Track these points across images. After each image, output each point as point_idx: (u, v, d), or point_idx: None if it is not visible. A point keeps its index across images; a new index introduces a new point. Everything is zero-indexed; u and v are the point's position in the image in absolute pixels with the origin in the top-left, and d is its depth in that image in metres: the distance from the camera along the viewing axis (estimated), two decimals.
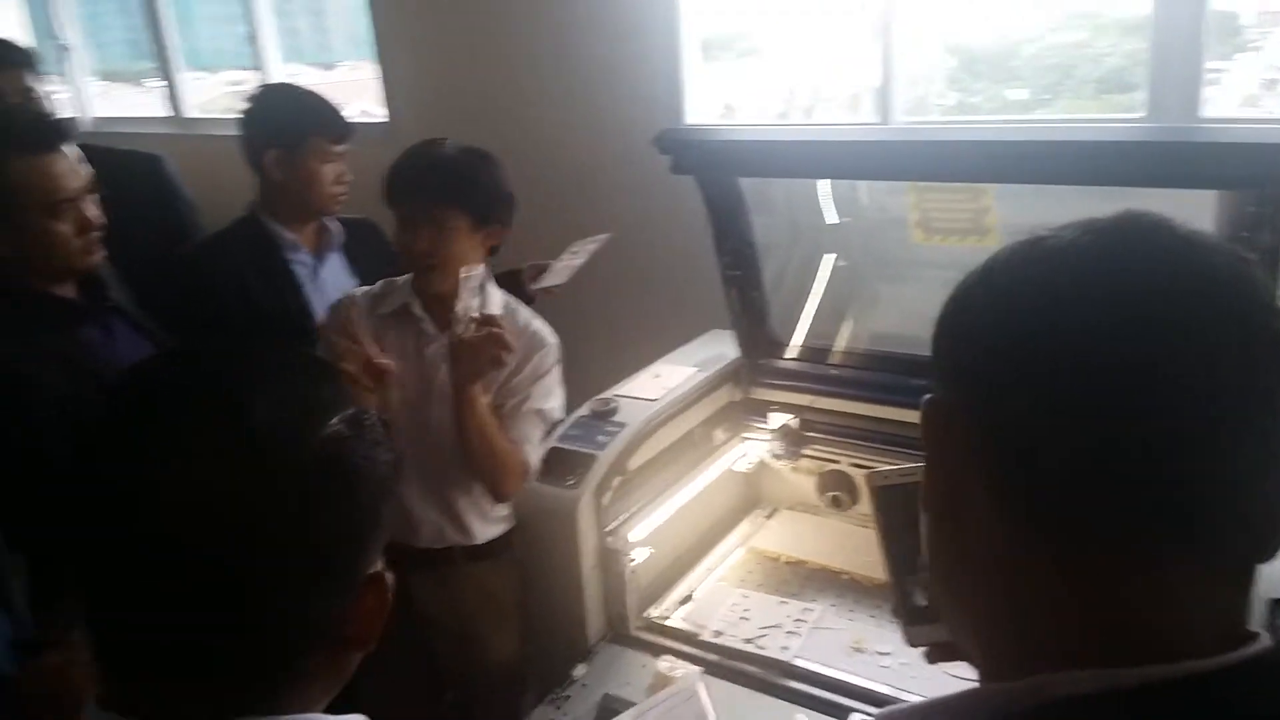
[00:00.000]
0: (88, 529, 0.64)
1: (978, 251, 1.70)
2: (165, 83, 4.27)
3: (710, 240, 1.91)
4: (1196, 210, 1.41)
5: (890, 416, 1.93)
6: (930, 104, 2.92)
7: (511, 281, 1.89)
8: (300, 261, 2.09)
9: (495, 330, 1.59)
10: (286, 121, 2.04)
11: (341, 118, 2.07)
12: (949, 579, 0.58)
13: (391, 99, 3.36)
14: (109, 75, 4.84)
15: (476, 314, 1.61)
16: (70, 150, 1.58)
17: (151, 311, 1.81)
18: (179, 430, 0.63)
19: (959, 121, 2.83)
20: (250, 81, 4.37)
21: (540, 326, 1.78)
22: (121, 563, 0.63)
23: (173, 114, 4.28)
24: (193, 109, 4.30)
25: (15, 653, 1.42)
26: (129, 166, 2.37)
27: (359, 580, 0.68)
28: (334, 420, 0.66)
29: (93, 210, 1.60)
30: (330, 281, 2.09)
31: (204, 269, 2.05)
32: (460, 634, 1.83)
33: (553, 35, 2.92)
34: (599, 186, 2.90)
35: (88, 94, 4.56)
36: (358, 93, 3.68)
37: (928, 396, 0.57)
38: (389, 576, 0.70)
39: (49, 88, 2.33)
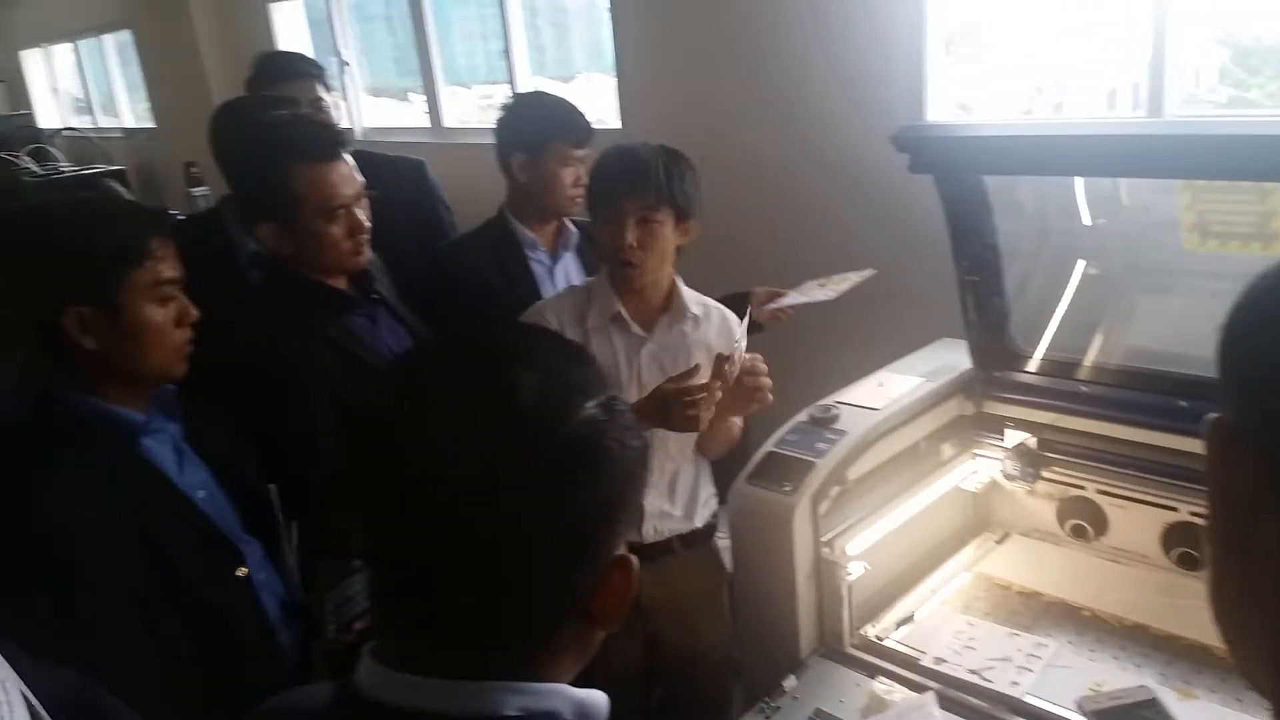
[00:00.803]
0: (367, 497, 0.69)
1: (1261, 260, 1.50)
2: (426, 97, 4.64)
3: (946, 243, 1.80)
4: None
5: (1149, 441, 1.73)
6: (1200, 99, 2.64)
7: (738, 304, 1.87)
8: (538, 260, 2.20)
9: (762, 379, 1.66)
10: (531, 127, 2.15)
11: (582, 123, 2.16)
12: (1237, 615, 0.53)
13: (625, 107, 3.44)
14: (376, 90, 5.31)
15: (745, 356, 1.66)
16: (347, 159, 1.72)
17: (410, 302, 1.94)
18: (453, 405, 0.67)
19: (1242, 115, 2.53)
20: (498, 94, 4.68)
21: (730, 315, 1.85)
22: (398, 530, 0.68)
23: (432, 125, 4.64)
24: (450, 120, 4.64)
25: (284, 611, 1.55)
26: (396, 171, 2.57)
27: (608, 560, 0.70)
28: (590, 403, 0.69)
29: (363, 215, 1.73)
30: (564, 279, 2.18)
31: (452, 265, 2.22)
32: (678, 620, 1.87)
33: (789, 38, 2.88)
34: (832, 189, 2.83)
35: (360, 106, 5.00)
36: (594, 103, 3.81)
37: (1212, 416, 0.51)
38: (634, 559, 0.72)
39: (333, 99, 2.56)
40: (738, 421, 1.81)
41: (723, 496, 1.85)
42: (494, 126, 2.22)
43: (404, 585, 0.69)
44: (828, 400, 1.79)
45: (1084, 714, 1.44)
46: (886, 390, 1.84)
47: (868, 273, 1.91)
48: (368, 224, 1.74)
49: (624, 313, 1.78)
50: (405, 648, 0.69)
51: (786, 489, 1.61)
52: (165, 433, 1.47)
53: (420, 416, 0.67)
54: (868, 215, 2.69)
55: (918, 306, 2.23)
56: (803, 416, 1.76)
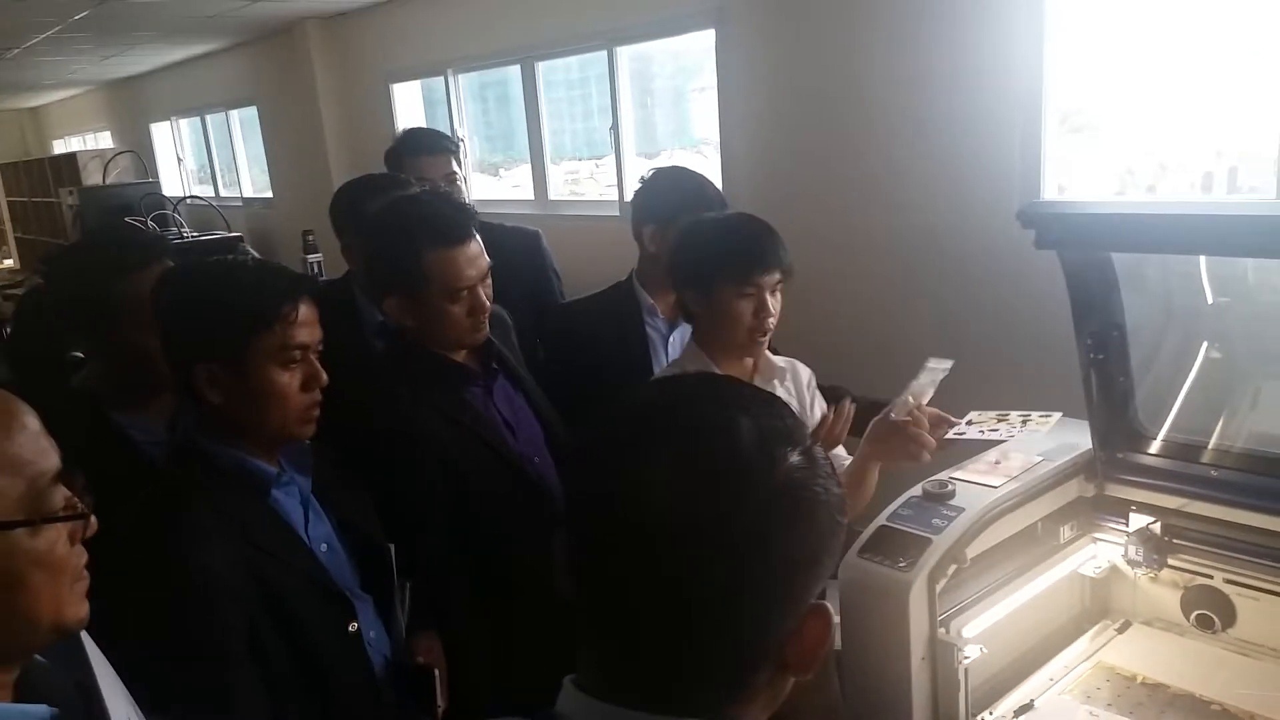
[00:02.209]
0: (585, 531, 0.72)
1: None
2: (533, 171, 4.85)
3: (1063, 321, 1.78)
4: None
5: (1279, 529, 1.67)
6: None
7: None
8: (654, 326, 2.27)
9: (927, 431, 1.69)
10: (664, 200, 2.24)
11: (713, 199, 2.22)
12: None
13: (728, 182, 3.52)
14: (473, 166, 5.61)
15: (920, 404, 1.69)
16: (475, 240, 1.79)
17: (530, 363, 2.01)
18: (677, 445, 0.69)
19: None
20: (584, 169, 4.89)
21: (801, 365, 1.95)
22: (615, 565, 0.69)
23: (536, 197, 4.85)
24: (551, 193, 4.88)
25: (390, 670, 1.58)
26: (516, 241, 2.71)
27: (807, 607, 0.71)
28: (795, 452, 0.70)
29: (485, 295, 1.80)
30: (678, 347, 2.23)
31: (568, 325, 2.34)
32: None
33: (904, 116, 2.94)
34: (946, 268, 2.83)
35: (471, 181, 5.34)
36: None
37: None
38: (830, 608, 0.73)
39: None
40: (865, 495, 1.80)
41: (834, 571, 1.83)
42: (633, 197, 2.34)
43: (613, 620, 0.71)
44: (942, 475, 1.77)
45: None
46: (1004, 467, 1.81)
47: (948, 365, 1.82)
48: (489, 304, 1.81)
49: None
50: (607, 679, 0.71)
51: (902, 565, 1.58)
52: (295, 486, 1.53)
53: (645, 455, 0.69)
54: (983, 295, 2.68)
55: (1036, 384, 2.20)
56: (916, 491, 1.74)
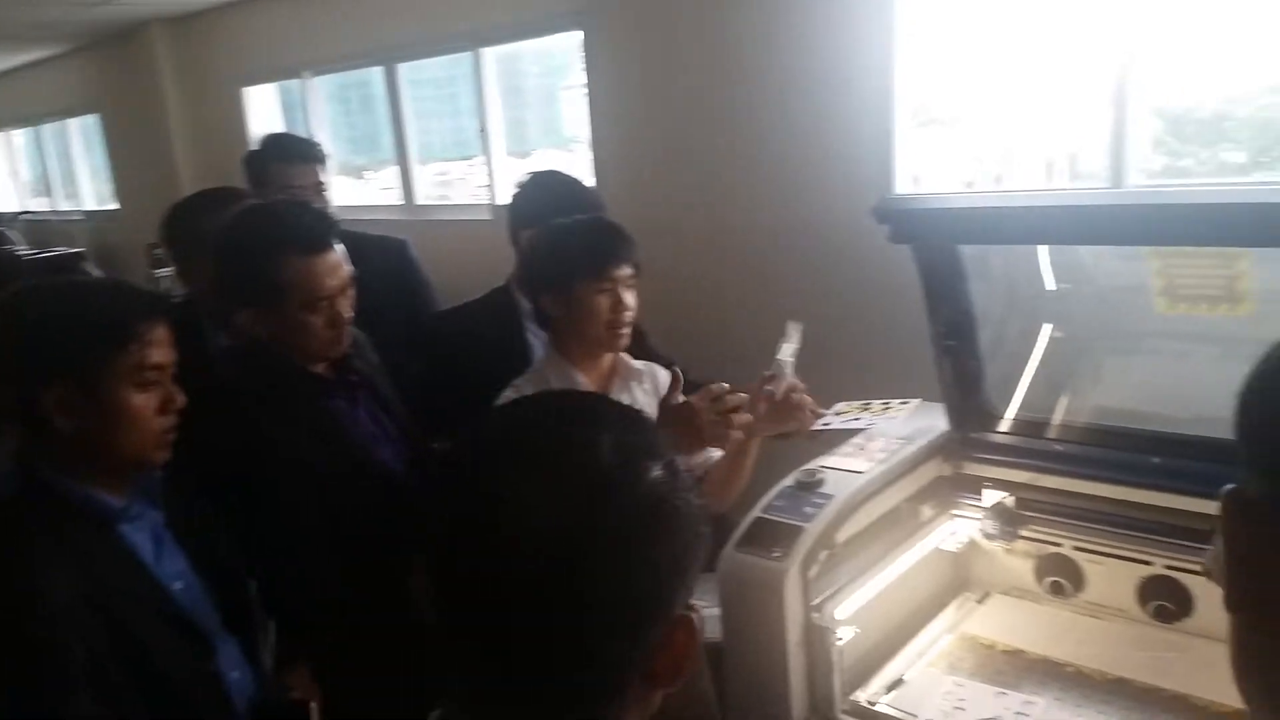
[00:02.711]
0: (445, 555, 0.70)
1: (1229, 321, 1.58)
2: (401, 174, 4.73)
3: (918, 310, 1.86)
4: None
5: (1122, 497, 1.79)
6: (1136, 167, 2.80)
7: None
8: (535, 332, 2.22)
9: (805, 397, 1.76)
10: (542, 205, 2.22)
11: (591, 202, 2.23)
12: (1262, 684, 0.55)
13: (601, 181, 3.53)
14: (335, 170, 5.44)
15: (792, 373, 1.77)
16: (337, 250, 1.74)
17: (398, 375, 1.96)
18: (538, 464, 0.69)
19: (1200, 184, 2.67)
20: (454, 171, 4.81)
21: (659, 369, 1.96)
22: (478, 589, 0.68)
23: (405, 202, 4.73)
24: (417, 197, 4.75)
25: (256, 714, 1.52)
26: (381, 250, 2.65)
27: (672, 619, 0.72)
28: (657, 465, 0.71)
29: (346, 306, 1.75)
30: None
31: (444, 333, 2.31)
32: None
33: (764, 114, 3.01)
34: (805, 259, 2.92)
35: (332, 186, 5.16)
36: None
37: (1229, 487, 0.52)
38: (696, 618, 0.74)
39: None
40: (746, 472, 1.85)
41: (710, 564, 1.86)
42: (509, 202, 2.32)
43: (479, 644, 0.70)
44: (812, 464, 1.82)
45: None
46: (869, 454, 1.88)
47: (913, 402, 1.92)
48: (349, 314, 1.76)
49: (585, 381, 1.85)
50: (476, 702, 0.70)
51: (776, 555, 1.62)
52: (145, 519, 1.45)
53: (508, 476, 0.68)
54: (842, 286, 2.78)
55: (894, 371, 2.29)
56: (789, 481, 1.79)
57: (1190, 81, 2.93)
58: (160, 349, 1.39)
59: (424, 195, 4.78)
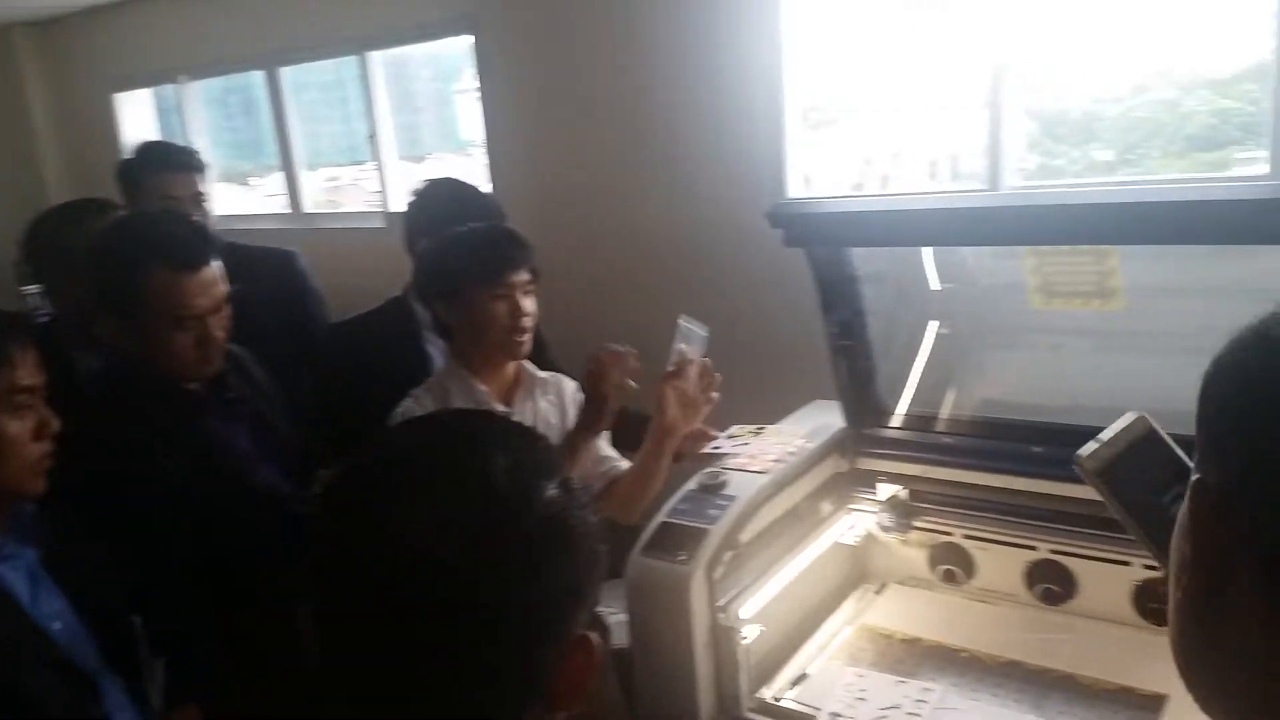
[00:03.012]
0: (332, 586, 0.67)
1: (1102, 315, 1.67)
2: (286, 182, 4.57)
3: (813, 310, 1.90)
4: None
5: (1007, 485, 1.87)
6: (1012, 167, 2.93)
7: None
8: (434, 343, 2.19)
9: (714, 376, 1.76)
10: (439, 213, 2.17)
11: (489, 208, 2.20)
12: (1203, 661, 0.54)
13: (497, 186, 3.49)
14: (217, 176, 5.22)
15: (693, 358, 1.76)
16: (214, 266, 1.66)
17: (289, 393, 1.89)
18: (429, 489, 0.67)
19: (1070, 185, 2.81)
20: (346, 176, 4.68)
21: (566, 380, 1.96)
22: (368, 619, 0.66)
23: (292, 210, 4.57)
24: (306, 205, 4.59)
25: None
26: (267, 263, 2.55)
27: (571, 640, 0.70)
28: (552, 484, 0.70)
29: (218, 326, 1.68)
30: None
31: (340, 347, 2.25)
32: None
33: (658, 118, 3.02)
34: (702, 263, 2.95)
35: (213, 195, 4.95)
36: None
37: (1195, 478, 0.52)
38: (595, 638, 0.72)
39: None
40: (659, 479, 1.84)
41: (615, 570, 1.86)
42: (405, 210, 2.26)
43: (369, 678, 0.67)
44: (715, 467, 1.84)
45: None
46: (769, 453, 1.91)
47: (806, 431, 1.98)
48: (221, 334, 1.69)
49: (487, 392, 1.82)
50: None
51: (682, 558, 1.64)
52: (20, 559, 1.37)
53: (398, 501, 0.66)
54: (738, 287, 2.82)
55: (791, 371, 2.34)
56: (692, 484, 1.81)
57: (1061, 84, 3.09)
58: (29, 371, 1.32)
59: (313, 202, 4.64)
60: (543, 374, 1.94)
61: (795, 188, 2.87)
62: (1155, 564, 1.69)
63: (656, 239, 3.05)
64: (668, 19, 2.95)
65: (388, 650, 0.66)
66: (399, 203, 4.06)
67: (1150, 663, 1.70)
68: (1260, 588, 0.48)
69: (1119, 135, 3.37)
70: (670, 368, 1.77)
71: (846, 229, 1.67)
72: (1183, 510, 0.54)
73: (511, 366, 1.88)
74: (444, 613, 0.64)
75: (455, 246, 1.83)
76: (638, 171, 3.10)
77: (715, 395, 1.81)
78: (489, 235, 1.86)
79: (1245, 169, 2.66)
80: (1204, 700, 0.56)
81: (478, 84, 3.63)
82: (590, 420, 1.77)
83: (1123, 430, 0.81)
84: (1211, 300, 1.68)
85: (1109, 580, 1.80)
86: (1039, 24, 2.58)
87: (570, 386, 1.96)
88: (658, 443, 1.79)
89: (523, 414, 1.86)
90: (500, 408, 1.84)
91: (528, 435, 0.76)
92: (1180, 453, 0.80)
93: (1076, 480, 1.74)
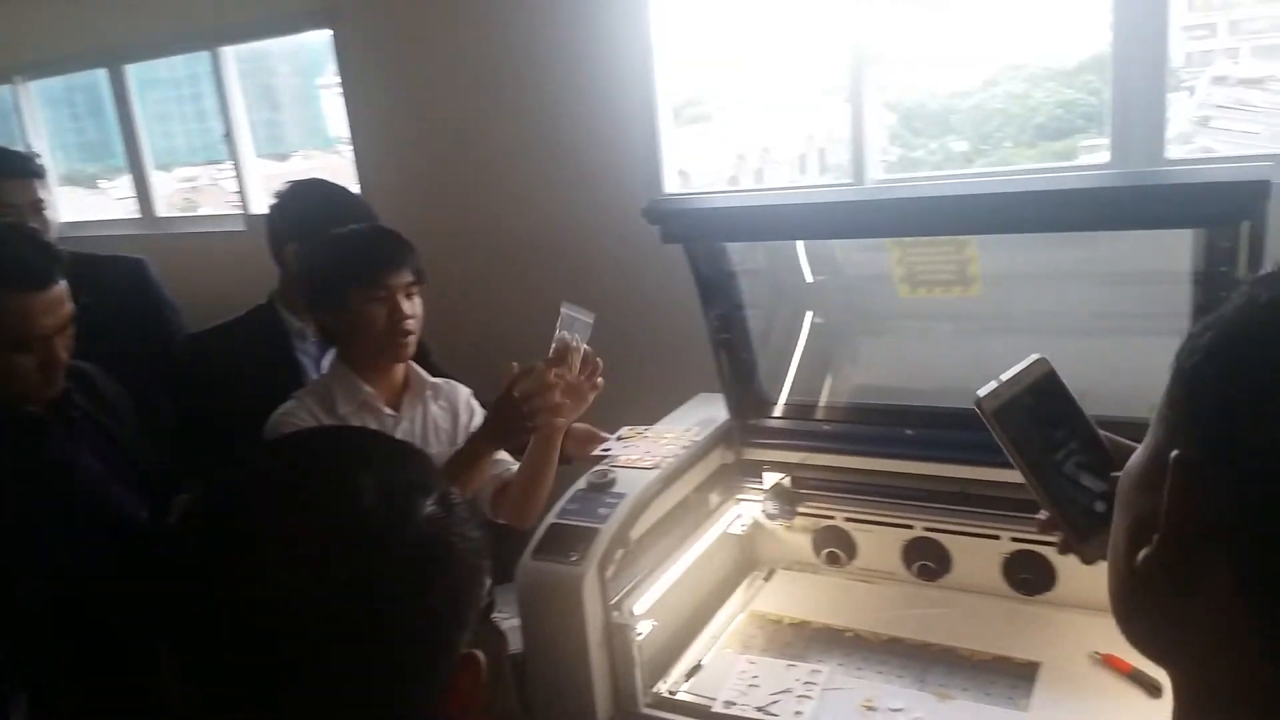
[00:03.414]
0: (195, 616, 0.63)
1: (964, 301, 1.75)
2: (135, 185, 4.31)
3: (694, 304, 1.92)
4: (1171, 246, 1.46)
5: (884, 468, 1.94)
6: (874, 160, 3.04)
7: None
8: (305, 351, 2.13)
9: (597, 362, 1.74)
10: (305, 215, 2.10)
11: (360, 211, 2.14)
12: (1155, 634, 0.55)
13: (364, 185, 3.38)
14: (62, 179, 4.88)
15: (577, 345, 1.72)
16: (59, 286, 1.56)
17: (144, 409, 1.79)
18: (293, 517, 0.63)
19: (931, 178, 2.93)
20: (204, 176, 4.45)
21: (457, 384, 1.93)
22: (236, 658, 0.62)
23: (143, 215, 4.31)
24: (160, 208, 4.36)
25: None
26: (115, 272, 2.41)
27: (457, 659, 0.68)
28: (429, 501, 0.67)
29: (63, 346, 1.59)
30: None
31: (202, 357, 2.12)
32: None
33: (528, 113, 2.99)
34: (580, 260, 2.94)
35: (56, 200, 4.62)
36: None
37: (1175, 454, 0.50)
38: (481, 655, 0.70)
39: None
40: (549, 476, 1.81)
41: (508, 575, 1.84)
42: (267, 213, 2.17)
43: (241, 715, 0.63)
44: (603, 465, 1.84)
45: None
46: (656, 449, 1.92)
47: (695, 431, 1.97)
48: (64, 357, 1.60)
49: (373, 394, 1.79)
50: None
51: (574, 559, 1.63)
52: None
53: (261, 528, 0.62)
54: (618, 284, 2.82)
55: (675, 365, 2.36)
56: (581, 484, 1.80)
57: (917, 79, 3.22)
58: None
59: (168, 205, 4.40)
60: (435, 379, 1.89)
61: (671, 183, 2.89)
62: (1025, 534, 1.80)
63: (533, 238, 3.03)
64: (536, 13, 2.92)
65: (255, 690, 0.62)
66: (260, 204, 3.90)
67: (1022, 631, 1.80)
68: (1229, 578, 0.48)
69: (973, 127, 3.53)
70: (552, 355, 1.72)
71: (722, 224, 1.70)
72: (1142, 470, 0.54)
73: (400, 370, 1.83)
74: (316, 649, 0.61)
75: (332, 249, 1.78)
76: (511, 169, 3.07)
77: (600, 381, 1.78)
78: (367, 236, 1.81)
79: (1090, 156, 2.83)
80: (1143, 646, 0.57)
81: (340, 79, 3.51)
82: (495, 430, 1.71)
83: (1023, 371, 0.81)
84: (1063, 284, 1.78)
85: (981, 554, 1.89)
86: (894, 20, 2.68)
87: (465, 393, 1.92)
88: (543, 433, 1.74)
89: (412, 419, 1.82)
90: (387, 411, 1.80)
91: (401, 450, 0.73)
92: (1075, 399, 0.82)
93: (947, 460, 1.85)
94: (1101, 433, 0.82)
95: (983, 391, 0.78)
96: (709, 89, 3.40)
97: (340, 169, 3.70)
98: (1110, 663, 1.65)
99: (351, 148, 3.53)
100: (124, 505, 1.69)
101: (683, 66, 3.06)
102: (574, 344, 1.74)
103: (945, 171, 3.06)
